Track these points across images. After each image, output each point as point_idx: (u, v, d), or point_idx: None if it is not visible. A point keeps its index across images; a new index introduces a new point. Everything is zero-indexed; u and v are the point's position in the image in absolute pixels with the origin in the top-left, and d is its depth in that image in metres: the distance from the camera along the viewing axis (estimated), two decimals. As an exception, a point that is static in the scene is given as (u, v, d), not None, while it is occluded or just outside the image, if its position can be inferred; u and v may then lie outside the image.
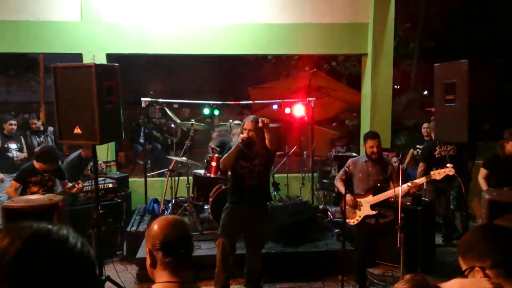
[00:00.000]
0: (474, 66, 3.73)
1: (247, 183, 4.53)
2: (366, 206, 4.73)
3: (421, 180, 4.50)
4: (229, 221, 4.62)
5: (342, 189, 4.88)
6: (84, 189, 5.69)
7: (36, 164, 5.26)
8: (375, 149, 4.67)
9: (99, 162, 6.11)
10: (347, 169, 4.93)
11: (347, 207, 4.83)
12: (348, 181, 4.97)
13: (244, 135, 4.48)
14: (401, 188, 4.41)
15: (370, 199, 4.69)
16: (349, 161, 5.01)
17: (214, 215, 5.76)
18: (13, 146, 6.94)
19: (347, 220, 4.91)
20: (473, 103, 3.70)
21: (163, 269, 1.81)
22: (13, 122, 7.07)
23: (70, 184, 5.27)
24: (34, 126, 7.44)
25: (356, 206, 4.79)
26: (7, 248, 0.83)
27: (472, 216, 5.93)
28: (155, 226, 1.88)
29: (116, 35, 6.90)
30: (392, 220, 4.56)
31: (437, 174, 4.34)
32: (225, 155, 4.58)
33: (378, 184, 4.67)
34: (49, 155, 5.31)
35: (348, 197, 4.80)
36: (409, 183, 4.44)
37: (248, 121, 4.56)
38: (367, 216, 4.74)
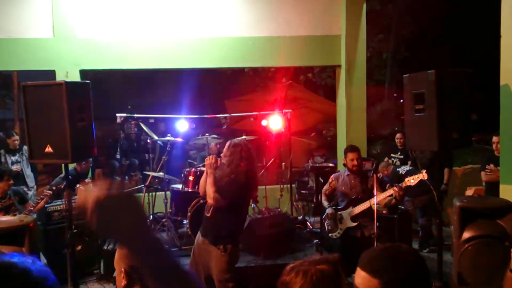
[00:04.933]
0: (442, 76, 3.83)
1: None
2: (347, 218, 4.78)
3: (399, 186, 4.50)
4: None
5: (325, 203, 4.99)
6: (59, 208, 5.59)
7: None
8: (355, 162, 4.78)
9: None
10: (329, 184, 5.01)
11: (328, 220, 4.89)
12: (333, 197, 5.05)
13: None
14: (385, 195, 4.47)
15: (350, 211, 4.75)
16: (332, 176, 5.13)
17: (193, 230, 5.71)
18: None
19: (330, 234, 4.96)
20: (442, 112, 3.79)
21: None
22: None
23: (32, 203, 5.17)
24: (16, 142, 7.29)
25: (337, 219, 4.83)
26: None
27: (445, 223, 6.03)
28: None
29: (89, 51, 6.83)
30: (380, 230, 4.59)
31: (411, 180, 4.39)
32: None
33: (359, 196, 4.73)
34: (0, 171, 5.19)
35: (330, 210, 4.87)
36: (394, 186, 4.45)
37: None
38: (348, 228, 4.78)
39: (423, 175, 4.31)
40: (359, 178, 4.82)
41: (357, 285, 1.42)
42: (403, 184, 4.44)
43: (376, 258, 1.43)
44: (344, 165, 5.44)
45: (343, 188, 4.89)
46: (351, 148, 4.94)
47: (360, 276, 1.42)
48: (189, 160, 8.19)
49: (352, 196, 4.79)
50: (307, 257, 1.57)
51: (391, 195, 4.51)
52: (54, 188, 5.39)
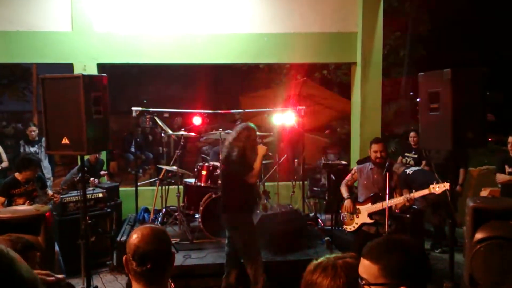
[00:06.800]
0: (457, 75, 3.78)
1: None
2: (364, 213, 4.70)
3: (419, 194, 4.45)
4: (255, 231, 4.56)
5: (345, 194, 4.91)
6: (74, 199, 5.69)
7: (18, 176, 5.20)
8: (378, 154, 4.63)
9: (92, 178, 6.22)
10: (352, 175, 4.96)
11: (345, 213, 4.82)
12: (352, 188, 5.02)
13: (264, 147, 4.49)
14: (398, 200, 4.44)
15: (369, 207, 4.67)
16: (356, 167, 5.04)
17: (205, 224, 5.76)
18: None
19: (344, 227, 4.90)
20: (457, 111, 3.75)
21: (136, 280, 1.81)
22: None
23: (51, 192, 5.26)
24: (33, 133, 7.43)
25: (354, 212, 4.77)
26: None
27: (459, 223, 5.97)
28: (133, 235, 1.87)
29: (107, 45, 6.93)
30: (393, 230, 4.54)
31: (437, 188, 4.33)
32: (256, 168, 4.35)
33: (380, 193, 4.59)
34: (29, 160, 5.29)
35: (348, 202, 4.80)
36: (407, 196, 4.43)
37: (255, 131, 4.51)
38: (364, 224, 4.71)
39: (445, 186, 4.24)
40: (383, 174, 4.72)
41: (360, 274, 1.47)
42: (428, 191, 4.38)
43: (376, 246, 1.49)
44: (361, 161, 5.41)
45: (365, 181, 4.78)
46: (375, 139, 4.81)
47: (362, 264, 1.47)
48: (202, 155, 8.24)
49: (373, 191, 4.68)
50: (318, 255, 1.61)
51: (403, 202, 4.48)
52: (65, 187, 5.54)
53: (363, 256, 1.48)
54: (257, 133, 4.55)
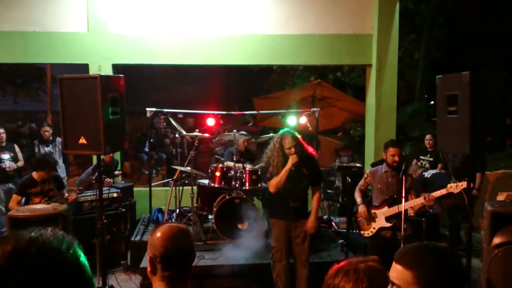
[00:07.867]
0: (476, 78, 3.73)
1: (291, 205, 4.54)
2: (381, 218, 4.63)
3: (437, 194, 4.38)
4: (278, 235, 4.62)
5: (358, 200, 4.85)
6: (89, 199, 5.74)
7: (35, 175, 5.28)
8: (396, 158, 4.54)
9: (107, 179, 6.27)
10: (365, 180, 4.90)
11: (361, 218, 4.76)
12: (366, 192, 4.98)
13: (295, 157, 4.36)
14: (416, 201, 4.39)
15: (385, 210, 4.60)
16: (367, 171, 4.97)
17: (218, 225, 5.77)
18: (5, 156, 6.88)
19: (361, 232, 4.84)
20: (475, 114, 3.70)
21: (161, 280, 1.81)
22: (1, 130, 6.99)
23: (67, 194, 5.32)
24: (46, 133, 7.50)
25: (370, 217, 4.71)
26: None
27: (474, 228, 5.89)
28: (158, 235, 1.84)
29: (122, 45, 6.99)
30: (409, 233, 4.46)
31: (455, 187, 4.27)
32: (276, 179, 4.40)
33: (395, 196, 4.51)
34: (45, 161, 5.37)
35: (362, 208, 4.74)
36: (425, 195, 4.37)
37: (288, 139, 4.42)
38: (382, 228, 4.64)
39: (463, 185, 4.18)
40: (397, 176, 4.65)
41: (392, 279, 1.44)
42: (446, 190, 4.32)
43: (411, 252, 1.46)
44: (375, 163, 5.34)
45: (379, 185, 4.70)
46: (393, 143, 4.69)
47: (395, 269, 1.45)
48: (216, 156, 8.26)
49: (388, 195, 4.60)
50: (332, 258, 1.60)
51: (422, 202, 4.41)
52: (81, 187, 5.60)
53: (395, 261, 1.45)
54: (292, 139, 4.43)
